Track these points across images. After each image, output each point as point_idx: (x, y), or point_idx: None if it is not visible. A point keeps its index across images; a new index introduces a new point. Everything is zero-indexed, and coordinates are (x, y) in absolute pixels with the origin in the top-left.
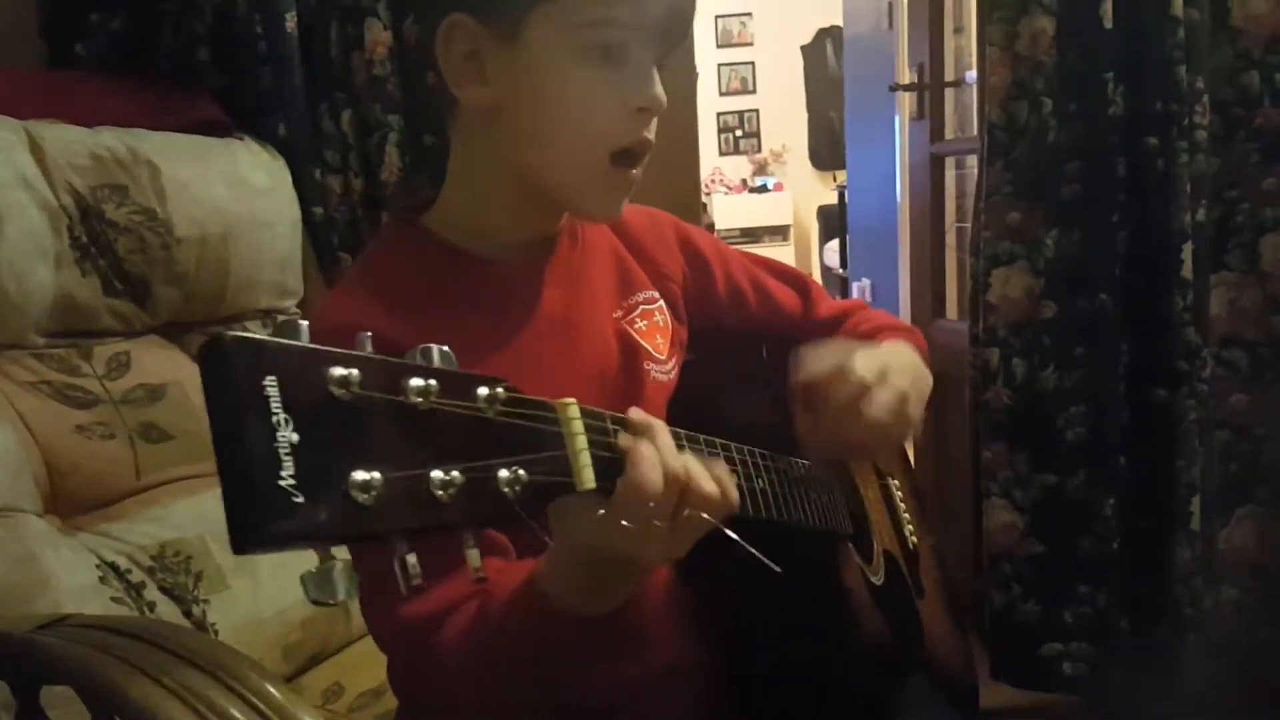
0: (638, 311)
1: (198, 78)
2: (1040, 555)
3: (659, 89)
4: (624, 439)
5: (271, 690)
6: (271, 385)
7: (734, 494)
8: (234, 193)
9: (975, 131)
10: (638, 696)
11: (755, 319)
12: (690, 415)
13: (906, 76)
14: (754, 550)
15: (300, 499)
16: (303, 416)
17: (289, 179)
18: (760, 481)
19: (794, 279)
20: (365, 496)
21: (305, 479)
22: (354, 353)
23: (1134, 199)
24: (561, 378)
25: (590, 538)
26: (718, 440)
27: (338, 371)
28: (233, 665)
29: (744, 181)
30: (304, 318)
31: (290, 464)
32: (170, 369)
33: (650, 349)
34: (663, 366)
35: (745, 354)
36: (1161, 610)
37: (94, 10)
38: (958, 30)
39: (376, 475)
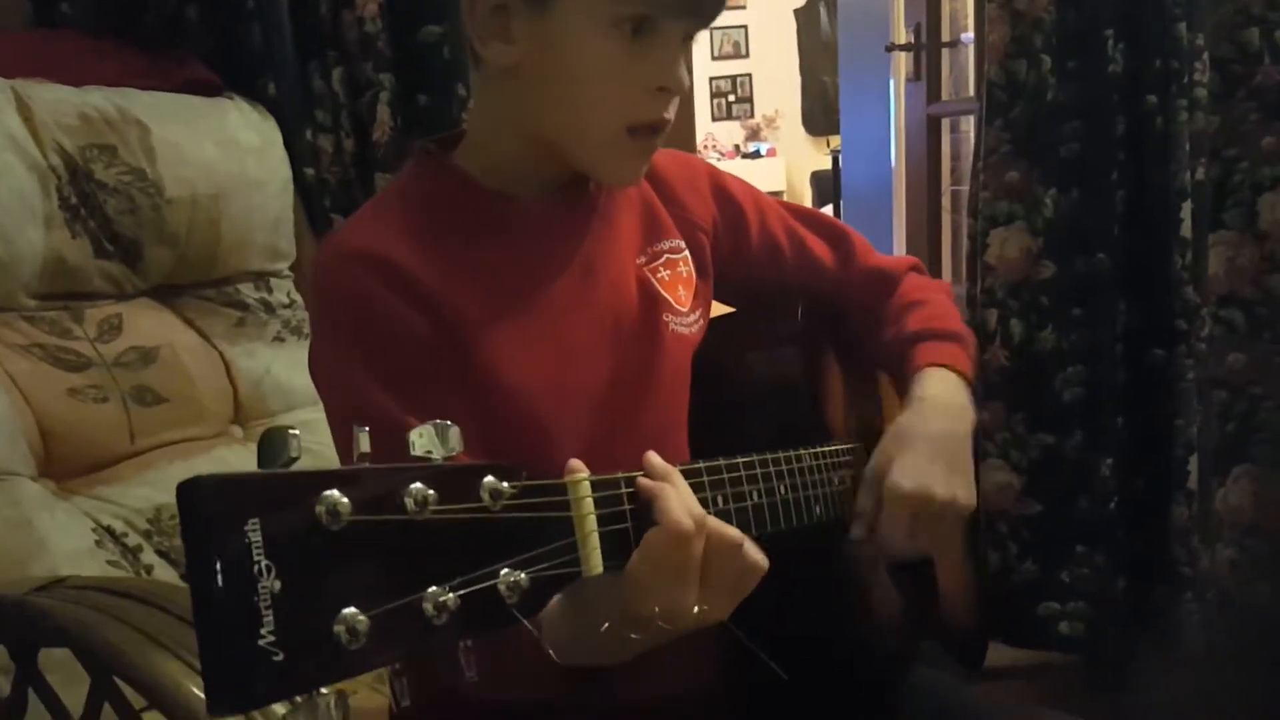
0: (661, 260)
1: (186, 37)
2: (1037, 515)
3: (683, 71)
4: (643, 482)
5: None
6: (254, 530)
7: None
8: (224, 153)
9: (971, 94)
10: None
11: (790, 273)
12: (721, 377)
13: (902, 38)
14: (760, 652)
15: (280, 657)
16: (287, 559)
17: (280, 139)
18: (782, 488)
19: (831, 233)
20: (351, 639)
21: (287, 633)
22: (346, 469)
23: (1133, 158)
24: (576, 320)
25: (603, 616)
26: (739, 461)
27: (330, 496)
28: None
29: (737, 147)
30: (303, 299)
31: (271, 619)
32: (162, 332)
33: (671, 300)
34: (684, 319)
35: (779, 312)
36: (1159, 570)
37: None
38: None
39: (363, 618)
